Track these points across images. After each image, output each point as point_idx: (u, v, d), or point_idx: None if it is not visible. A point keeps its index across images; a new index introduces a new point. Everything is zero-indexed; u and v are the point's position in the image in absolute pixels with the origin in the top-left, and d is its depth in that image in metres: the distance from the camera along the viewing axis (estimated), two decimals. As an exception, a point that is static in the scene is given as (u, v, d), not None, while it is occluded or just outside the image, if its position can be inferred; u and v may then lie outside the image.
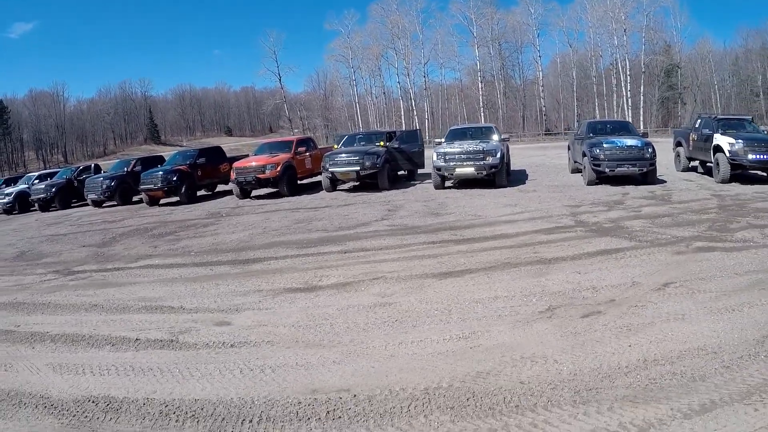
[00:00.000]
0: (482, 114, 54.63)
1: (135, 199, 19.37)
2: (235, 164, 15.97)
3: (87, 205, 21.23)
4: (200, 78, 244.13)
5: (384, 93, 64.27)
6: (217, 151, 18.98)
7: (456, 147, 13.59)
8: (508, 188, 13.24)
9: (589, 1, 52.02)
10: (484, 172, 13.11)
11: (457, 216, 9.93)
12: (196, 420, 3.35)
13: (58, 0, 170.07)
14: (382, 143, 15.96)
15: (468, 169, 13.21)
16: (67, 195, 21.62)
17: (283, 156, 15.64)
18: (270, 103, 64.16)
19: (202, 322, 5.24)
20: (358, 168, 14.54)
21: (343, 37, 61.07)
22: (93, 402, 3.72)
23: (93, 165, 24.17)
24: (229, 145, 62.31)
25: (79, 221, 15.95)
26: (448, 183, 14.17)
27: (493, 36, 55.43)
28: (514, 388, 3.38)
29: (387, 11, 57.46)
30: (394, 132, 18.87)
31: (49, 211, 21.21)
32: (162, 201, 17.25)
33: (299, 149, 16.30)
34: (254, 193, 16.43)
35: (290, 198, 15.12)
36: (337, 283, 6.17)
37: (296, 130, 65.10)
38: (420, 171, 17.87)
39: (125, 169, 19.86)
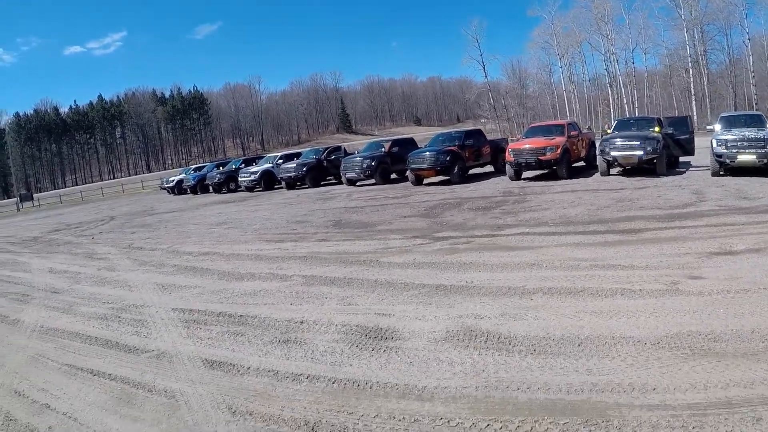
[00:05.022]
0: (693, 102, 50.20)
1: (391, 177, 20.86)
2: (511, 146, 16.54)
3: (335, 183, 23.22)
4: (387, 69, 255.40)
5: (586, 81, 61.88)
6: (480, 133, 19.80)
7: (736, 134, 13.25)
8: (785, 178, 12.66)
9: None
10: (765, 160, 12.61)
11: (770, 200, 9.81)
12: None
13: (236, 2, 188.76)
14: (658, 129, 15.47)
15: (750, 157, 12.76)
16: (318, 174, 23.79)
17: (560, 139, 15.81)
18: (474, 91, 64.98)
19: (676, 276, 5.72)
20: (642, 153, 14.39)
21: (546, 24, 59.50)
22: (685, 336, 4.24)
23: (342, 146, 26.40)
24: (420, 134, 64.18)
25: (353, 197, 17.41)
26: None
27: (697, 18, 50.32)
28: None
29: (592, -7, 54.74)
30: (659, 118, 18.14)
31: (294, 189, 23.49)
32: (425, 181, 18.25)
33: (571, 133, 16.33)
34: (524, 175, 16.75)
35: (567, 180, 15.29)
36: (749, 249, 6.53)
37: (484, 120, 65.05)
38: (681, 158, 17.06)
39: (382, 149, 21.39)
